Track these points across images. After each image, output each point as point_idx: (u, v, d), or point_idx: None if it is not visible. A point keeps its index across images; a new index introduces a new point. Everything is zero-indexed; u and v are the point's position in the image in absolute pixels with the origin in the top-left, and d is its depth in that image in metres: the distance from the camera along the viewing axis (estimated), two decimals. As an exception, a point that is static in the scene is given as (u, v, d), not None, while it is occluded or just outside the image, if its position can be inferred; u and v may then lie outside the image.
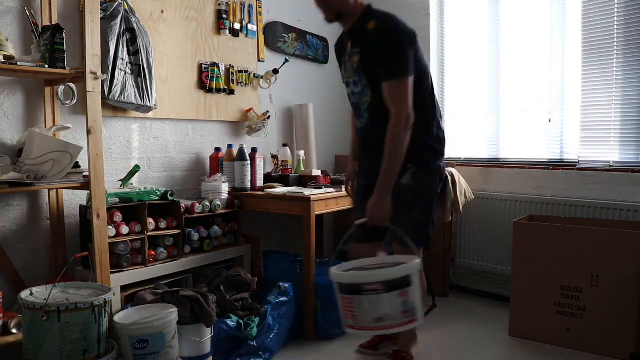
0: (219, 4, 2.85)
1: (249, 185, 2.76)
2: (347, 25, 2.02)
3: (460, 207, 2.91)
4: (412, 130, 1.88)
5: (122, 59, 2.25)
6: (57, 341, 1.64)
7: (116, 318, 1.91)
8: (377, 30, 1.88)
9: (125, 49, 2.27)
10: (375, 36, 1.87)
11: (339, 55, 2.18)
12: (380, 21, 1.89)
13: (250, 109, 3.03)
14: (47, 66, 1.86)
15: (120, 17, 2.24)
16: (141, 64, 2.31)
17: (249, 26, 3.02)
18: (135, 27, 2.29)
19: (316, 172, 2.96)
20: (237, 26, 2.95)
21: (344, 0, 1.93)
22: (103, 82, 2.12)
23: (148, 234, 2.22)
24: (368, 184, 2.04)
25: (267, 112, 3.06)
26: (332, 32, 3.69)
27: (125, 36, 2.27)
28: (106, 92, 2.17)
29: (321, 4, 1.97)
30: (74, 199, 2.28)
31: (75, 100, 1.98)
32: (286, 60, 3.19)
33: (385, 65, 1.86)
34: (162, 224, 2.30)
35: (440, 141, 2.10)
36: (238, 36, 2.97)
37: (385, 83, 1.87)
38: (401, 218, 1.96)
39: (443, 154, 2.13)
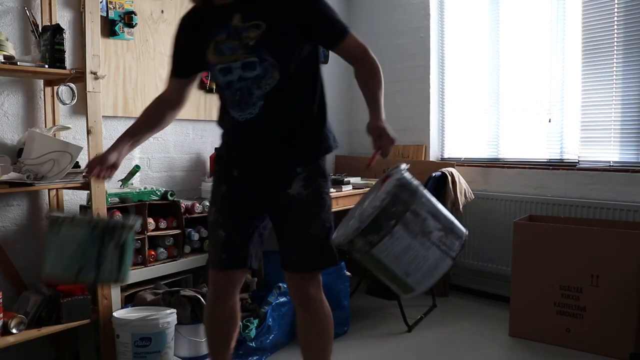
0: (219, 4, 2.85)
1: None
2: None
3: (460, 207, 2.91)
4: (306, 119, 1.56)
5: None
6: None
7: (117, 314, 1.91)
8: None
9: None
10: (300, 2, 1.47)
11: (193, 36, 1.54)
12: None
13: (250, 109, 3.03)
14: (47, 66, 1.87)
15: None
16: None
17: (249, 26, 3.01)
18: None
19: (316, 172, 2.95)
20: (237, 26, 2.94)
21: None
22: None
23: (148, 234, 2.22)
24: (237, 193, 1.63)
25: (267, 112, 3.06)
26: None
27: None
28: None
29: None
30: (74, 199, 2.28)
31: (75, 100, 1.98)
32: (286, 60, 3.18)
33: (331, 26, 1.51)
34: (162, 224, 2.30)
35: (332, 136, 1.65)
36: (238, 36, 2.96)
37: (343, 42, 1.52)
38: (297, 239, 1.62)
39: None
